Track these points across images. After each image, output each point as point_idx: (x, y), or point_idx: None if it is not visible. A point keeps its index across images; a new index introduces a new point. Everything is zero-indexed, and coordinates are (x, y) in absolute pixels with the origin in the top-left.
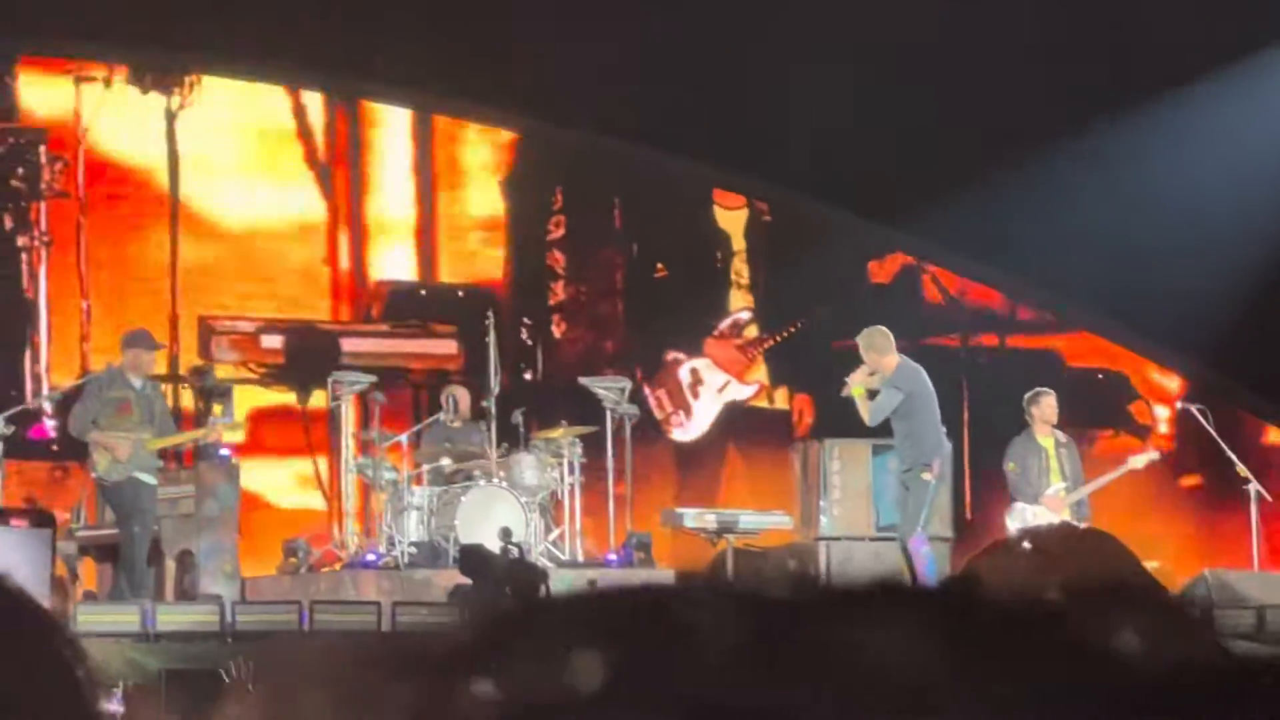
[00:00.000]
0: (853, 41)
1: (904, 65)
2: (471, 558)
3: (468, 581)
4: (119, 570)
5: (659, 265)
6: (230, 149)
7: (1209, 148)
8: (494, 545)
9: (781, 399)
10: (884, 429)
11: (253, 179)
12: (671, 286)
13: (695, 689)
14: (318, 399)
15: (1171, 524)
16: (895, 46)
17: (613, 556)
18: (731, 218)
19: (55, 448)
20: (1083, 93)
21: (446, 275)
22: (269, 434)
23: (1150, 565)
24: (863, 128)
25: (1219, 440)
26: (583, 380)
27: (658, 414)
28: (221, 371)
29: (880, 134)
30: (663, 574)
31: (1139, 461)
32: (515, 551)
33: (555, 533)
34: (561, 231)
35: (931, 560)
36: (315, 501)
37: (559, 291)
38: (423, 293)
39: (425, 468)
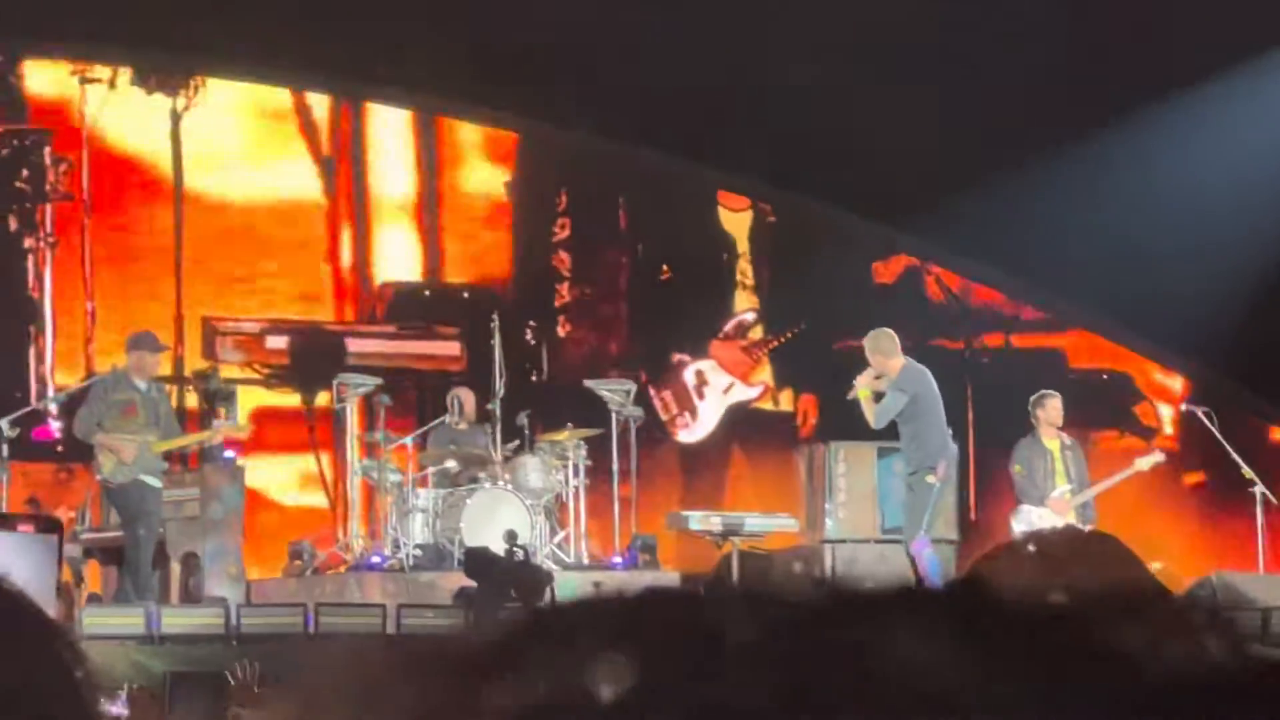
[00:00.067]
0: (855, 43)
1: (906, 66)
2: (476, 560)
3: (472, 584)
4: (124, 573)
5: (664, 267)
6: (235, 149)
7: (1213, 150)
8: (499, 548)
9: (786, 400)
10: (889, 431)
11: (257, 180)
12: (676, 288)
13: (722, 694)
14: (322, 400)
15: (1177, 526)
16: (897, 48)
17: (618, 559)
18: (736, 219)
19: (60, 449)
20: (1086, 94)
21: (451, 277)
22: (274, 435)
23: (1154, 567)
24: (865, 129)
25: (1224, 443)
26: (588, 383)
27: (663, 416)
28: (226, 372)
29: (883, 135)
30: (668, 576)
31: (1145, 463)
32: (520, 554)
33: (560, 535)
34: (566, 233)
35: (935, 562)
36: (320, 503)
37: (564, 293)
38: (427, 294)
39: (430, 470)
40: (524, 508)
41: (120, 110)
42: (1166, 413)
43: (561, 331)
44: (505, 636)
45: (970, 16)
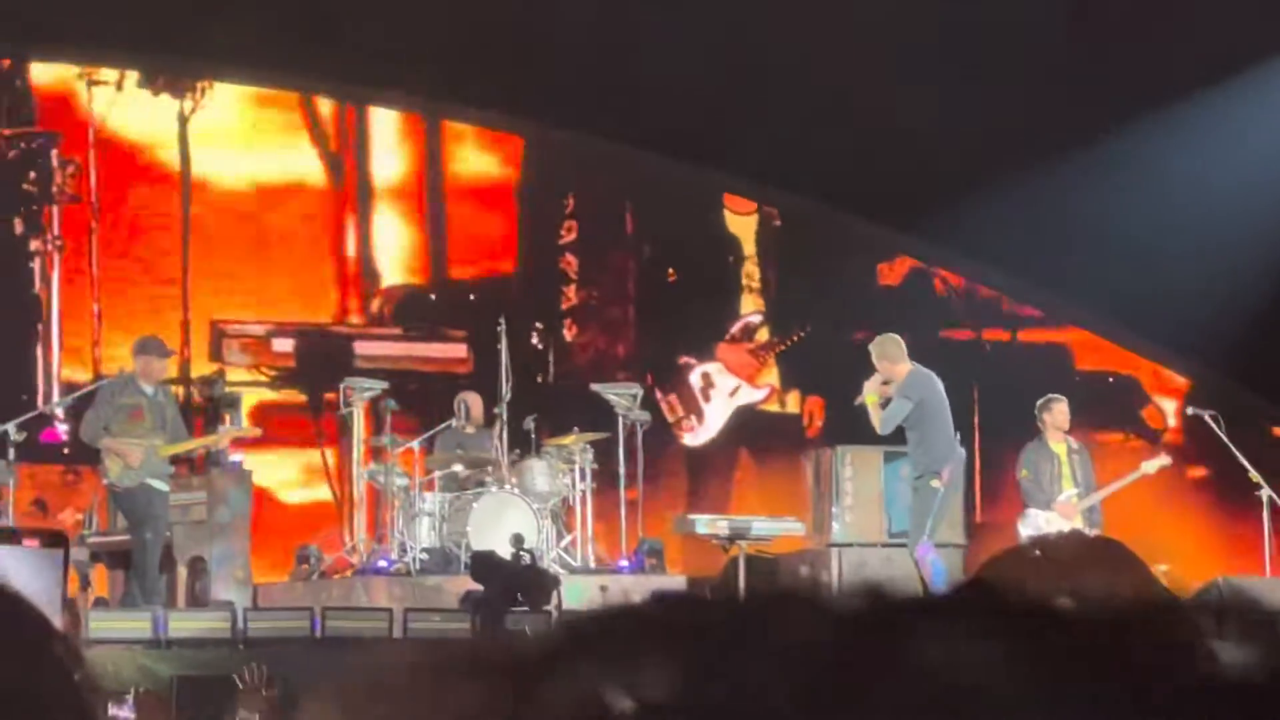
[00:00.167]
0: (857, 44)
1: (909, 68)
2: (483, 564)
3: (479, 588)
4: (131, 577)
5: (670, 270)
6: (242, 151)
7: (1219, 153)
8: (505, 552)
9: (793, 403)
10: (897, 435)
11: (265, 182)
12: (683, 291)
13: (767, 698)
14: (330, 404)
15: (1183, 530)
16: (900, 49)
17: (624, 563)
18: (742, 222)
19: (67, 452)
20: (1091, 96)
21: (458, 280)
22: (280, 438)
23: (1160, 570)
24: (869, 130)
25: (1231, 447)
26: (595, 386)
27: (669, 418)
28: (233, 375)
29: (888, 137)
30: (674, 580)
31: (1151, 467)
32: (527, 558)
33: (567, 539)
34: (573, 236)
35: (939, 567)
36: (326, 506)
37: (571, 296)
38: (433, 297)
39: (437, 474)
40: (530, 511)
41: (127, 112)
42: (1172, 416)
43: (568, 335)
44: (551, 640)
45: (973, 18)
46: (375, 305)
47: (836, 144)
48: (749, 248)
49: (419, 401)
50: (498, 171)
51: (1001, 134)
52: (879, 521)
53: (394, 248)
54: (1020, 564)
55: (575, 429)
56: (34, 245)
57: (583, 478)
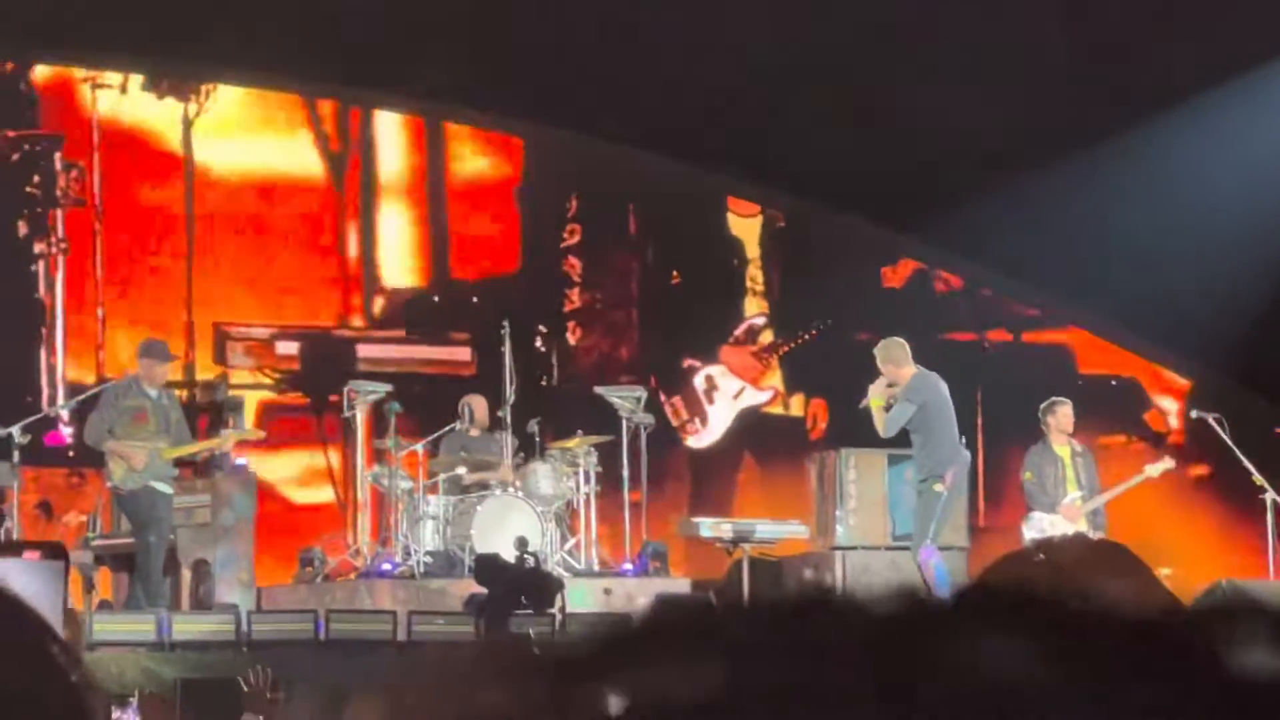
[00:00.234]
0: (859, 46)
1: (911, 69)
2: (487, 567)
3: (483, 591)
4: (135, 579)
5: (674, 272)
6: (247, 154)
7: (1222, 154)
8: (510, 554)
9: (797, 405)
10: (901, 438)
11: (269, 184)
12: (687, 293)
13: (811, 700)
14: (333, 406)
15: (1187, 532)
16: (902, 50)
17: (628, 566)
18: (746, 225)
19: (71, 454)
20: (1092, 97)
21: (461, 282)
22: (284, 441)
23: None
24: (870, 131)
25: (1235, 450)
26: (598, 389)
27: (673, 421)
28: (237, 378)
29: (889, 139)
30: (678, 583)
31: (1155, 470)
32: (531, 561)
33: (571, 542)
34: (577, 238)
35: (942, 571)
36: (330, 509)
37: (574, 298)
38: (436, 299)
39: (441, 477)
40: (534, 514)
41: (131, 115)
42: (1174, 417)
43: (572, 337)
44: (593, 643)
45: (975, 20)
46: (378, 307)
47: (839, 146)
48: (752, 250)
49: (423, 404)
50: (500, 173)
51: (1003, 136)
52: (883, 524)
53: (397, 250)
54: (1024, 567)
55: (579, 432)
56: (38, 248)
57: (587, 481)
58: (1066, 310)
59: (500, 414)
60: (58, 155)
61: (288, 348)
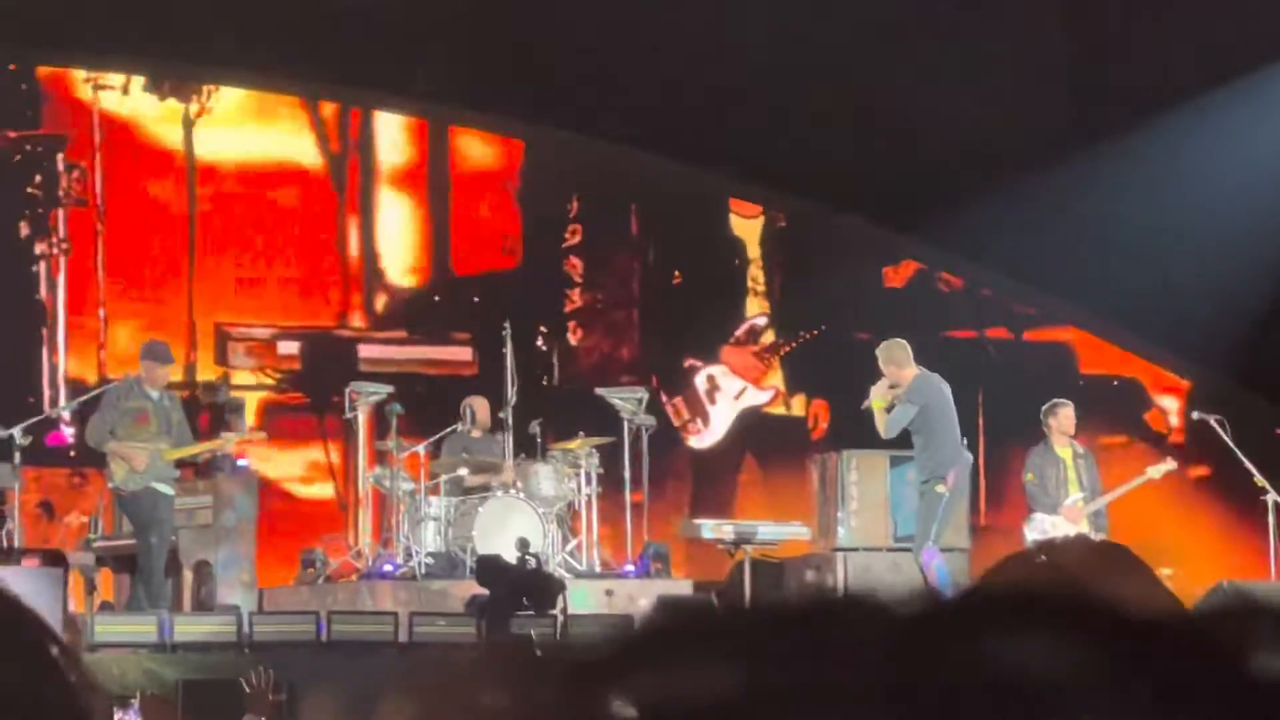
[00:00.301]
0: (860, 47)
1: (912, 70)
2: (488, 568)
3: (484, 592)
4: (136, 580)
5: (675, 272)
6: (248, 154)
7: (1220, 153)
8: (511, 556)
9: (798, 405)
10: (902, 439)
11: (271, 185)
12: (688, 293)
13: (855, 703)
14: (334, 407)
15: (1189, 533)
16: (904, 50)
17: (630, 567)
18: (747, 225)
19: (73, 454)
20: (1092, 98)
21: (463, 282)
22: (285, 441)
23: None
24: (872, 132)
25: (1237, 451)
26: (600, 391)
27: (675, 421)
28: (238, 378)
29: (890, 139)
30: (680, 585)
31: (1156, 472)
32: (532, 562)
33: (572, 543)
34: (578, 239)
35: (944, 572)
36: (331, 510)
37: (575, 298)
38: (437, 299)
39: (443, 478)
40: (536, 516)
41: (133, 116)
42: (1174, 416)
43: (572, 338)
44: (617, 644)
45: (975, 20)
46: (380, 305)
47: (840, 147)
48: (754, 250)
49: (424, 405)
50: (502, 173)
51: (1004, 136)
52: (885, 526)
53: (399, 249)
54: (1026, 568)
55: (581, 433)
56: (39, 248)
57: (588, 482)
58: (1067, 310)
59: (502, 415)
60: (59, 156)
61: (289, 348)
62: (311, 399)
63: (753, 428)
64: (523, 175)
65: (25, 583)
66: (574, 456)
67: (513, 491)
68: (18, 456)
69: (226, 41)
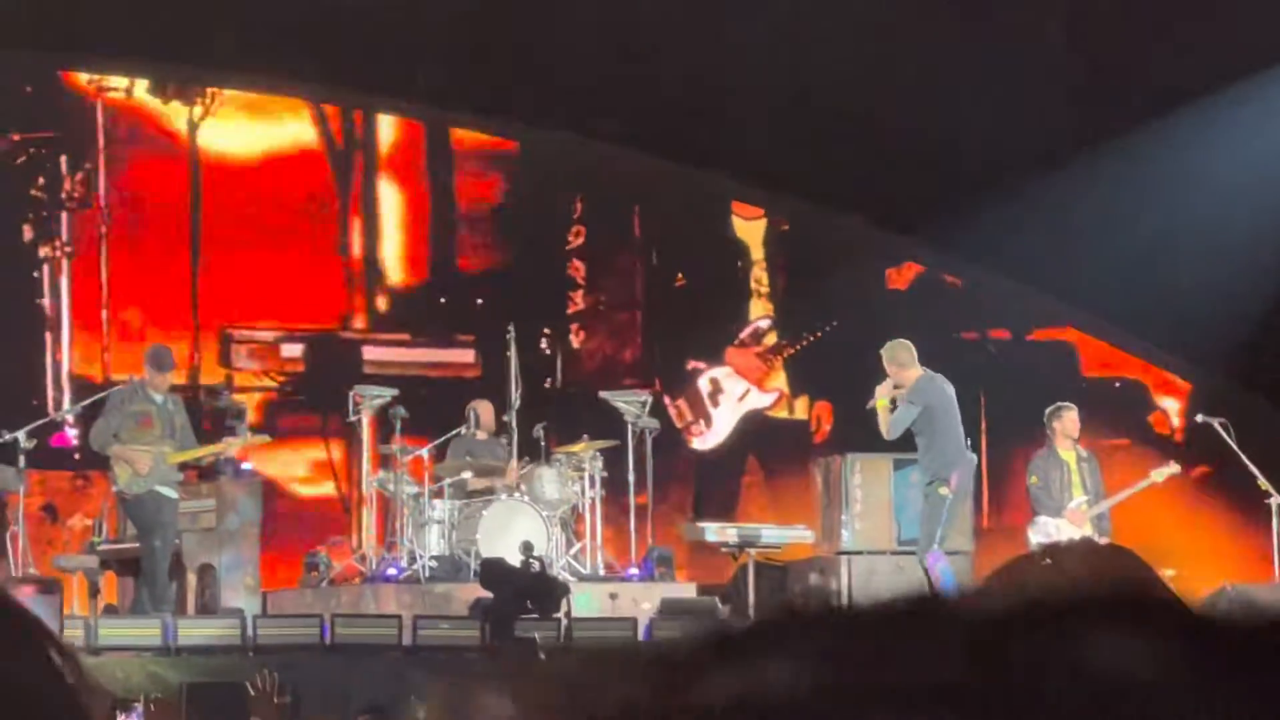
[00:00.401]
0: (861, 48)
1: (915, 73)
2: (492, 571)
3: (488, 595)
4: (140, 584)
5: (678, 274)
6: (252, 157)
7: (1221, 154)
8: (515, 559)
9: (801, 408)
10: (906, 442)
11: (274, 187)
12: (691, 296)
13: (939, 703)
14: (338, 409)
15: (1192, 536)
16: (906, 54)
17: (634, 570)
18: (750, 227)
19: (77, 457)
20: (1094, 100)
21: (466, 285)
22: (288, 444)
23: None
24: (874, 134)
25: (1240, 454)
26: (603, 394)
27: (678, 423)
28: (242, 380)
29: (893, 141)
30: (684, 588)
31: (1160, 475)
32: (536, 565)
33: (576, 546)
34: (581, 241)
35: (949, 575)
36: (335, 513)
37: (578, 301)
38: (442, 301)
39: (446, 481)
40: (540, 519)
41: (137, 119)
42: (1176, 416)
43: (576, 340)
44: (699, 643)
45: (977, 21)
46: (383, 310)
47: (843, 149)
48: (757, 252)
49: (428, 408)
50: (505, 176)
51: (1006, 138)
52: (889, 529)
53: (402, 252)
54: (1031, 571)
55: (584, 436)
56: (43, 251)
57: (592, 485)
58: (1069, 312)
59: (506, 418)
60: (63, 158)
61: (292, 350)
62: (315, 402)
63: (756, 430)
64: (525, 178)
65: None
66: (578, 460)
67: (517, 495)
68: (22, 460)
69: (228, 44)
